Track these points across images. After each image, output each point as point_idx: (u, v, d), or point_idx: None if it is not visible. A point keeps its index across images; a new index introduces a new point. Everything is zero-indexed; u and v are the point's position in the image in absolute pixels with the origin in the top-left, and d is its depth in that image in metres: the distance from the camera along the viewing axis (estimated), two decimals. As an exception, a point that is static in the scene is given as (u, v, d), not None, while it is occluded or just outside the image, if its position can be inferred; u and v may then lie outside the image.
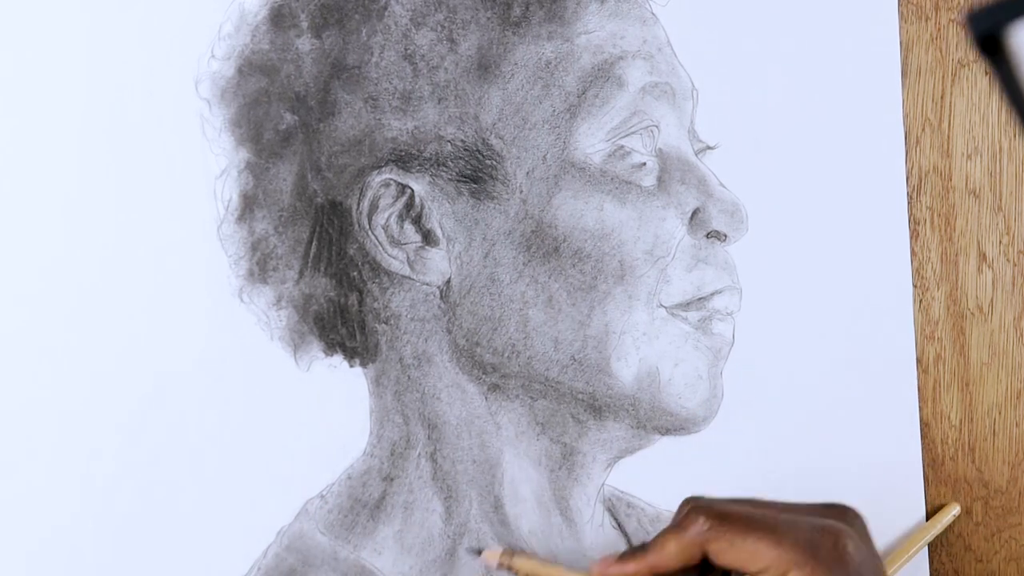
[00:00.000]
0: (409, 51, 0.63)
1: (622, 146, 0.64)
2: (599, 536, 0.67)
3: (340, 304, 0.64)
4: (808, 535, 0.52)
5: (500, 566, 0.62)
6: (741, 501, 0.56)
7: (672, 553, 0.54)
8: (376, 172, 0.63)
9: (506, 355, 0.64)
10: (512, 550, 0.62)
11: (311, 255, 0.64)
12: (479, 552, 0.63)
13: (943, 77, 0.74)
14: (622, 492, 0.69)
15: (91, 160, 0.63)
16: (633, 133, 0.64)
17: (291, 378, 0.64)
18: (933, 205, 0.74)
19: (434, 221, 0.64)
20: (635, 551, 0.56)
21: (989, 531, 0.75)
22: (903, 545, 0.73)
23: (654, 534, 0.69)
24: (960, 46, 0.74)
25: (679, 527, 0.54)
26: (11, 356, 0.63)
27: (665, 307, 0.65)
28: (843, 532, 0.52)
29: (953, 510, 0.74)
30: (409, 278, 0.64)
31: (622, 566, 0.56)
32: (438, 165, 0.63)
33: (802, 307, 0.72)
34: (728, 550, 0.53)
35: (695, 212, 0.65)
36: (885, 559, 0.72)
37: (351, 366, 0.65)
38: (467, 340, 0.64)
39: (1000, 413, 0.75)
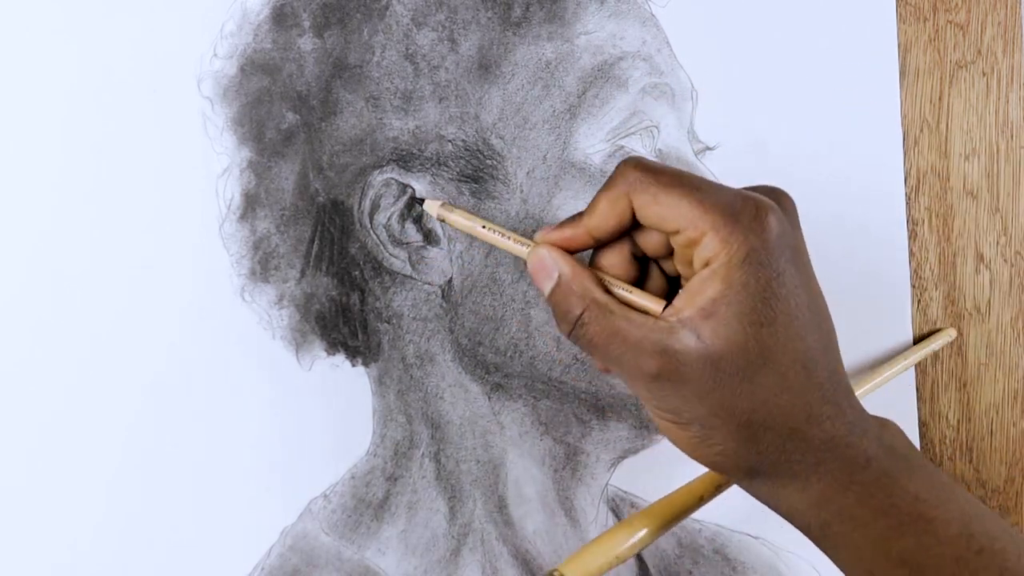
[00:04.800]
0: (410, 51, 0.63)
1: (622, 147, 0.64)
2: (603, 536, 0.67)
3: (342, 303, 0.64)
4: (731, 200, 0.49)
5: (438, 217, 0.58)
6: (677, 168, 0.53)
7: (603, 210, 0.51)
8: (378, 171, 0.63)
9: (508, 355, 0.64)
10: (450, 204, 0.60)
11: (313, 254, 0.64)
12: (422, 201, 0.60)
13: (941, 78, 0.75)
14: (625, 492, 0.69)
15: (93, 158, 0.63)
16: (633, 134, 0.64)
17: (293, 377, 0.64)
18: (931, 206, 0.75)
19: (435, 221, 0.64)
20: (572, 217, 0.54)
21: (987, 531, 0.75)
22: (890, 362, 0.73)
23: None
24: (958, 47, 0.75)
25: (608, 182, 0.52)
26: (12, 355, 0.62)
27: (666, 307, 0.65)
28: (766, 204, 0.49)
29: (947, 336, 0.74)
30: (411, 277, 0.64)
31: (560, 232, 0.53)
32: (439, 165, 0.63)
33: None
34: (651, 204, 0.50)
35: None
36: (871, 375, 0.71)
37: (353, 365, 0.65)
38: (469, 340, 0.64)
39: (997, 413, 0.76)
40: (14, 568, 0.62)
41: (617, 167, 0.51)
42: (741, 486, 0.53)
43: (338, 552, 0.64)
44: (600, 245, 0.53)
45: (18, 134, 0.63)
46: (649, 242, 0.52)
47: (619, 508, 0.69)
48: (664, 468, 0.68)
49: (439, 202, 0.58)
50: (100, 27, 0.63)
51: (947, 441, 0.75)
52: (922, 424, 0.75)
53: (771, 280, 0.48)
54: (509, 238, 0.56)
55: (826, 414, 0.49)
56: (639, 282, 0.54)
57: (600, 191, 0.52)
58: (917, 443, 0.74)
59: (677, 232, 0.49)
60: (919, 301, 0.75)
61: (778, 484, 0.51)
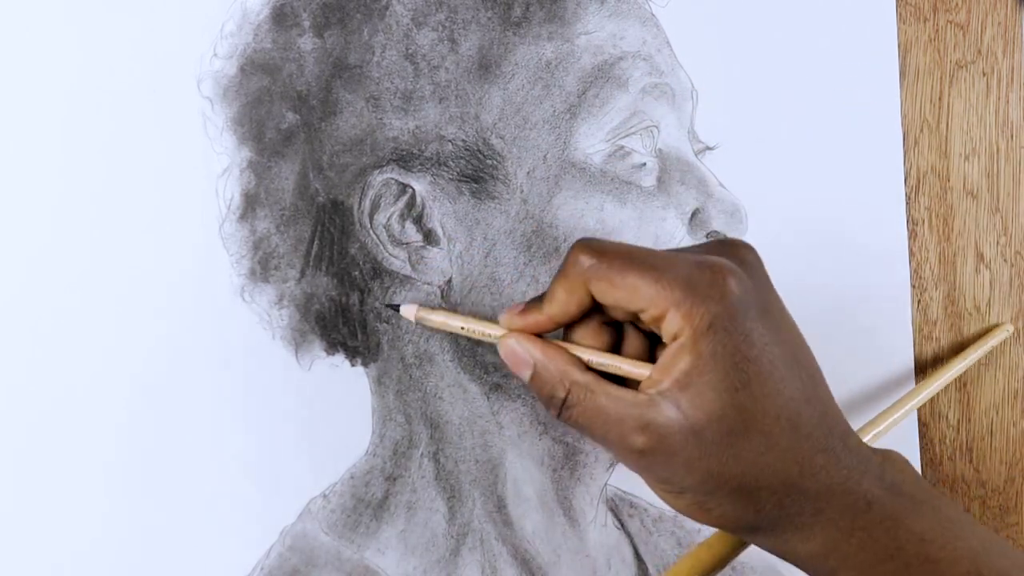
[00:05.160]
0: (410, 51, 0.63)
1: (622, 146, 0.64)
2: (602, 536, 0.68)
3: (342, 303, 0.64)
4: (687, 271, 0.49)
5: (417, 319, 0.60)
6: (629, 245, 0.53)
7: (561, 298, 0.52)
8: (378, 171, 0.63)
9: (508, 355, 0.64)
10: (428, 306, 0.61)
11: (312, 254, 0.64)
12: (397, 307, 0.62)
13: (941, 78, 0.75)
14: (624, 492, 0.69)
15: (92, 158, 0.63)
16: (633, 133, 0.64)
17: (293, 377, 0.64)
18: (931, 206, 0.75)
19: (435, 221, 0.64)
20: (533, 302, 0.54)
21: (986, 531, 0.75)
22: (951, 361, 0.73)
23: (656, 535, 0.70)
24: (958, 47, 0.75)
25: (563, 271, 0.52)
26: (10, 355, 0.62)
27: (666, 307, 0.65)
28: (723, 267, 0.49)
29: (1004, 331, 0.75)
30: (410, 278, 0.64)
31: (524, 319, 0.53)
32: (439, 165, 0.64)
33: (801, 308, 0.72)
34: (609, 289, 0.50)
35: (695, 212, 0.65)
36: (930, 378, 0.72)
37: (353, 365, 0.65)
38: (468, 340, 0.64)
39: (997, 413, 0.76)
40: (14, 568, 0.62)
41: (569, 252, 0.51)
42: (747, 540, 0.53)
43: (337, 552, 0.64)
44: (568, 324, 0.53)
45: (18, 134, 0.63)
46: (616, 313, 0.52)
47: (618, 508, 0.69)
48: (663, 468, 0.69)
49: (415, 307, 0.60)
50: (100, 27, 0.63)
51: (947, 441, 0.75)
52: (922, 424, 0.75)
53: (739, 344, 0.48)
54: (490, 333, 0.56)
55: (819, 463, 0.49)
56: (616, 346, 0.54)
57: (556, 279, 0.52)
58: (917, 443, 0.74)
59: (641, 311, 0.50)
60: (919, 301, 0.74)
61: (781, 537, 0.51)
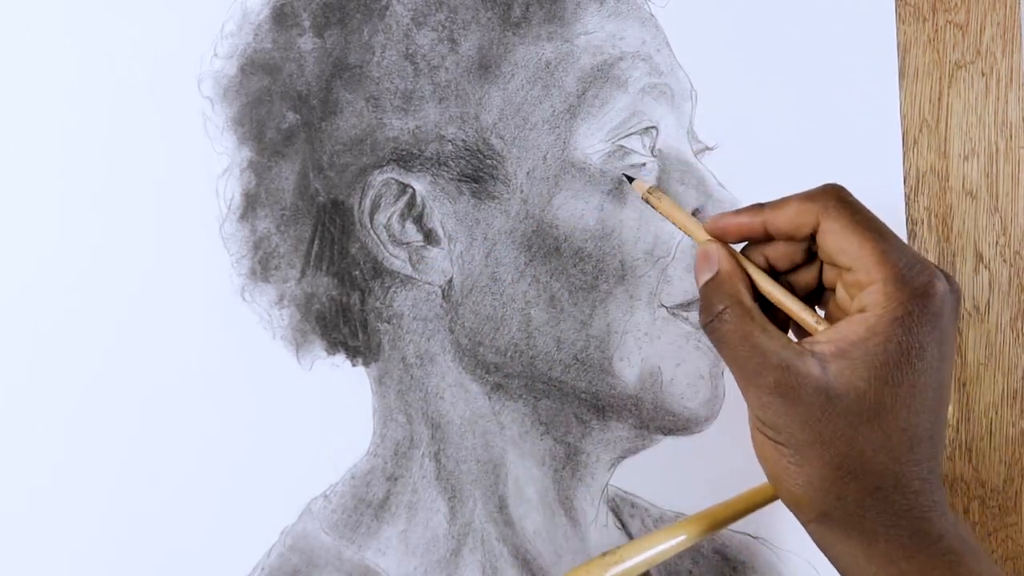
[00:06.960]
0: (410, 51, 0.63)
1: (622, 146, 0.64)
2: (603, 536, 0.67)
3: (342, 303, 0.64)
4: (909, 261, 0.50)
5: (644, 199, 0.61)
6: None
7: (788, 213, 0.53)
8: (378, 171, 0.63)
9: (509, 355, 0.64)
10: (658, 189, 0.61)
11: (313, 254, 0.64)
12: (631, 179, 0.63)
13: (940, 78, 0.75)
14: (626, 492, 0.69)
15: (92, 158, 0.63)
16: (632, 133, 0.64)
17: (293, 377, 0.64)
18: (930, 206, 0.75)
19: (435, 220, 0.64)
20: (753, 206, 0.55)
21: (985, 531, 0.75)
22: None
23: (657, 534, 0.69)
24: (957, 47, 0.75)
25: (808, 193, 0.53)
26: (11, 355, 0.62)
27: (666, 307, 0.65)
28: (939, 275, 0.50)
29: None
30: (411, 277, 0.64)
31: (737, 217, 0.55)
32: (439, 165, 0.64)
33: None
34: (835, 234, 0.51)
35: (694, 212, 0.66)
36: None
37: (353, 365, 0.65)
38: (470, 339, 0.64)
39: (996, 413, 0.76)
40: (14, 568, 0.62)
41: (822, 186, 0.54)
42: (807, 528, 0.54)
43: (338, 552, 0.64)
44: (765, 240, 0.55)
45: (18, 134, 0.63)
46: (820, 256, 0.54)
47: (619, 508, 0.69)
48: (664, 468, 0.69)
49: (648, 186, 0.61)
50: (100, 27, 0.63)
51: (947, 441, 0.75)
52: (921, 424, 0.75)
53: (914, 348, 0.49)
54: (696, 235, 0.58)
55: (915, 487, 0.50)
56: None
57: (796, 196, 0.54)
58: (916, 443, 0.74)
59: (849, 270, 0.51)
60: (918, 301, 0.74)
61: (844, 534, 0.52)
